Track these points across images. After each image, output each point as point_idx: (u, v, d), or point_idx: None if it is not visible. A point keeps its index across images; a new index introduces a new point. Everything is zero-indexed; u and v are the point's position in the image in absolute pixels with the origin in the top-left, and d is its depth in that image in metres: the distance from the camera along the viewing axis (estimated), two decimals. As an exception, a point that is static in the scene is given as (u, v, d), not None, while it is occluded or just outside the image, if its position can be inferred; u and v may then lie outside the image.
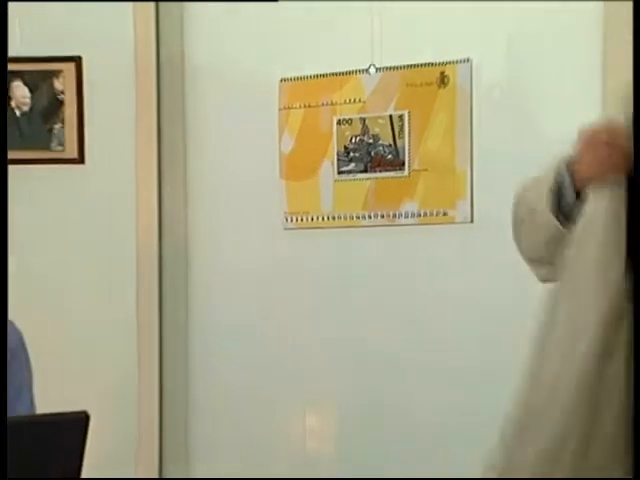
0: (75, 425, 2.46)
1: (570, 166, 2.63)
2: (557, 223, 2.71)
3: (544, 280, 2.94)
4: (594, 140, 2.59)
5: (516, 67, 4.04)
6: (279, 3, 4.31)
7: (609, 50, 3.72)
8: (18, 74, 4.55)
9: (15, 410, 2.93)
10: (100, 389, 4.24)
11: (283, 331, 4.37)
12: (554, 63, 3.91)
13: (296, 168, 4.31)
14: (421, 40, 4.11)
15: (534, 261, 2.99)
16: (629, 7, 3.24)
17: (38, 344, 3.08)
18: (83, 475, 2.46)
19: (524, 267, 3.16)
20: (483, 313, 3.97)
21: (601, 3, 3.79)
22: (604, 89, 3.74)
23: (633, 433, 2.40)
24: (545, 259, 2.88)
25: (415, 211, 4.12)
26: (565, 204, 2.69)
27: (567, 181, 2.66)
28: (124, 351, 4.49)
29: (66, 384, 3.18)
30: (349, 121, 4.19)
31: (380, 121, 4.15)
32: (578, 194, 2.65)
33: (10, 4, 4.40)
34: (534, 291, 3.18)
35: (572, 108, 3.83)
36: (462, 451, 3.98)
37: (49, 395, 3.06)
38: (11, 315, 2.99)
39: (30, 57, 4.54)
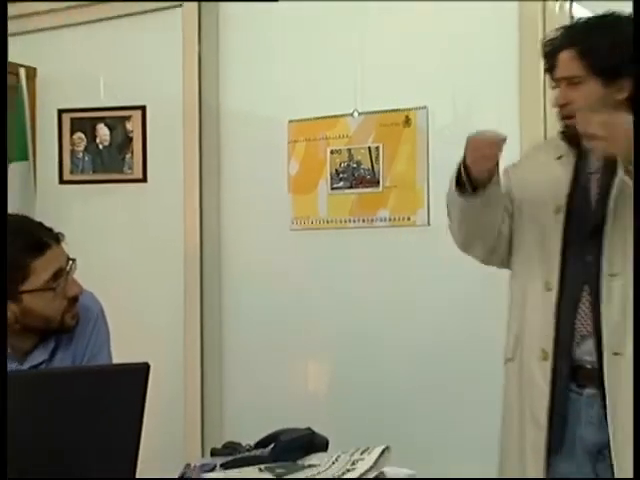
0: (138, 373, 2.45)
1: (464, 160, 2.89)
2: (459, 193, 2.95)
3: (483, 262, 3.15)
4: (473, 144, 2.86)
5: (460, 112, 4.11)
6: (287, 66, 4.48)
7: (523, 98, 3.88)
8: (101, 119, 4.79)
9: (97, 362, 2.95)
10: (156, 347, 4.35)
11: (291, 303, 4.49)
12: (488, 108, 4.00)
13: (300, 185, 4.42)
14: (391, 92, 4.17)
15: (465, 245, 3.13)
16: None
17: (112, 314, 3.10)
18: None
19: (468, 259, 3.44)
20: (438, 294, 4.07)
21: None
22: (520, 124, 3.87)
23: (634, 433, 2.35)
24: (469, 240, 3.09)
25: (387, 217, 4.21)
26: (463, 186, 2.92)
27: (462, 170, 2.90)
28: (173, 321, 4.72)
29: (131, 344, 3.30)
30: (339, 151, 4.30)
31: (362, 151, 4.25)
32: (469, 177, 2.89)
33: (94, 63, 4.73)
34: (477, 275, 3.47)
35: None
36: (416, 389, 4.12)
37: (119, 353, 3.06)
38: (95, 293, 3.06)
39: (110, 107, 4.76)
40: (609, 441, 2.79)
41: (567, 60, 2.90)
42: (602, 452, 2.86)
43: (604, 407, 2.81)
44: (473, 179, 2.92)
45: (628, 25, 2.86)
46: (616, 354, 2.81)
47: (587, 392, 2.89)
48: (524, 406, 3.02)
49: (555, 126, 3.62)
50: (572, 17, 3.73)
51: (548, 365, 2.92)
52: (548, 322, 2.93)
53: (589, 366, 2.88)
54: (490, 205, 2.99)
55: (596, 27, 2.91)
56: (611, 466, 2.80)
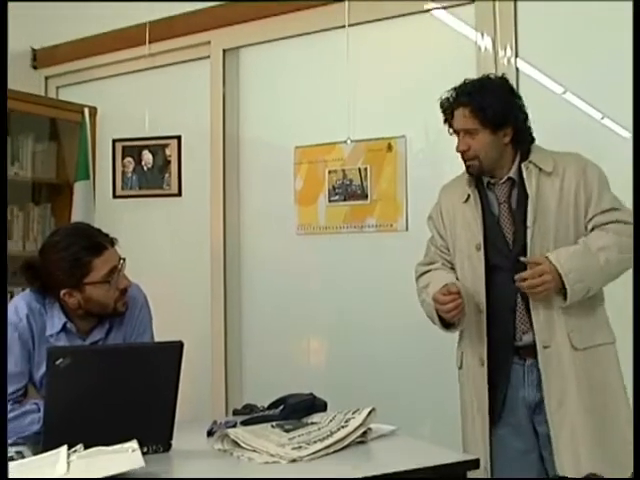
0: (174, 349, 2.52)
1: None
2: (446, 330, 3.10)
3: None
4: (439, 301, 2.98)
5: (431, 140, 4.08)
6: (294, 104, 4.51)
7: None
8: (146, 146, 4.76)
9: (142, 340, 3.00)
10: (189, 328, 4.41)
11: (296, 292, 4.48)
12: (452, 138, 3.86)
13: (304, 198, 4.40)
14: (377, 125, 4.17)
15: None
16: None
17: (154, 302, 3.12)
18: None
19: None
20: (412, 279, 3.82)
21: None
22: None
23: (634, 433, 2.34)
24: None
25: (374, 224, 4.19)
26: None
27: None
28: (202, 307, 4.71)
29: (169, 326, 3.31)
30: (335, 171, 4.28)
31: (353, 171, 4.22)
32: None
33: (140, 103, 4.75)
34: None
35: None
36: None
37: (160, 332, 3.11)
38: (140, 285, 3.10)
39: (153, 137, 4.74)
40: (543, 400, 2.93)
41: (462, 116, 3.03)
42: (538, 407, 2.98)
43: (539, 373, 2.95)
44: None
45: (501, 84, 3.08)
46: (546, 347, 2.93)
47: (528, 362, 2.99)
48: (473, 400, 3.12)
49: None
50: (517, 69, 3.77)
51: (485, 369, 3.03)
52: (482, 335, 3.04)
53: (529, 346, 2.98)
54: None
55: (484, 88, 3.03)
56: (546, 422, 2.94)
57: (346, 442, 2.52)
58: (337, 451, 2.48)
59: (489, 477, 3.01)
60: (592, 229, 2.93)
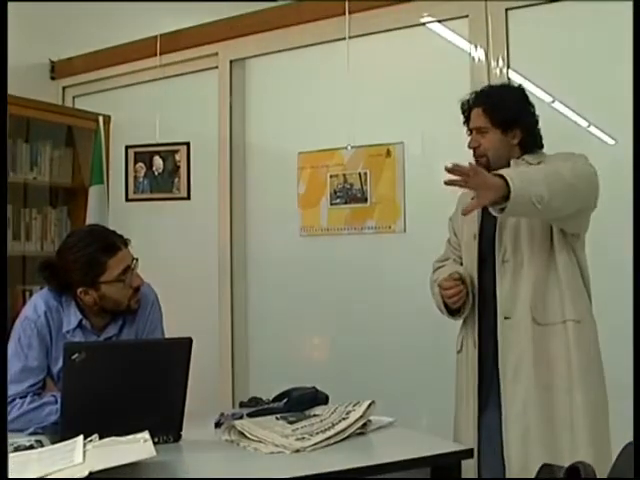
0: (184, 345, 2.54)
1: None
2: (452, 318, 3.13)
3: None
4: (442, 286, 3.02)
5: (428, 146, 4.11)
6: (297, 112, 4.50)
7: None
8: (157, 152, 4.78)
9: (153, 336, 3.01)
10: (198, 325, 4.15)
11: (300, 291, 4.47)
12: (447, 143, 3.89)
13: (307, 202, 4.39)
14: (376, 132, 4.16)
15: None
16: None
17: (165, 299, 3.13)
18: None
19: (434, 256, 3.43)
20: (412, 283, 3.92)
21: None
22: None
23: (634, 433, 2.34)
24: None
25: (373, 226, 4.19)
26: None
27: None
28: (210, 305, 4.70)
29: (179, 322, 3.32)
30: (337, 176, 4.27)
31: (354, 176, 4.22)
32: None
33: (151, 111, 4.75)
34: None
35: None
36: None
37: (170, 328, 3.13)
38: (152, 283, 3.10)
39: (163, 143, 4.76)
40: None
41: (476, 115, 3.10)
42: None
43: None
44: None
45: (517, 90, 3.13)
46: (506, 318, 2.95)
47: None
48: (469, 383, 3.10)
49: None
50: (509, 79, 3.78)
51: (476, 352, 3.05)
52: (474, 319, 3.08)
53: None
54: None
55: (499, 92, 3.13)
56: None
57: (347, 433, 2.53)
58: (338, 442, 2.49)
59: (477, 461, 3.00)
60: None
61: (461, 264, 3.23)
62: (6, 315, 2.83)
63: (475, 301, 3.07)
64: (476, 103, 3.11)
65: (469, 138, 3.13)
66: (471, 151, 3.10)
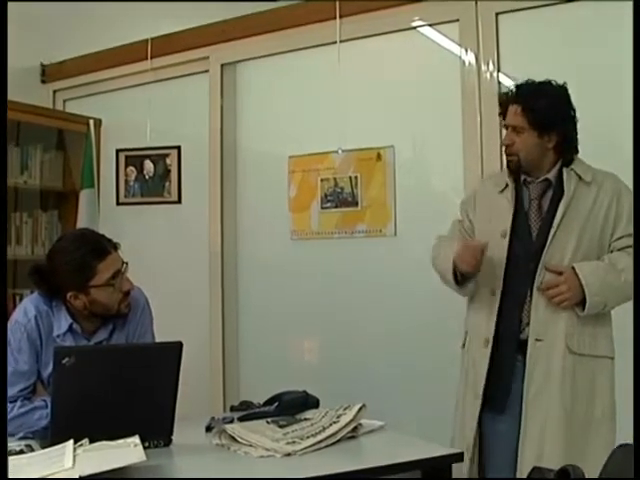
0: (174, 349, 2.53)
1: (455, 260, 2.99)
2: (457, 287, 3.09)
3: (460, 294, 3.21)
4: (461, 250, 2.98)
5: (419, 150, 4.10)
6: (288, 115, 4.49)
7: (465, 139, 3.85)
8: (147, 156, 4.80)
9: (144, 340, 2.99)
10: (189, 328, 4.21)
11: (290, 294, 4.46)
12: (438, 147, 4.03)
13: (297, 205, 4.39)
14: (367, 135, 4.16)
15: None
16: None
17: (155, 303, 3.10)
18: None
19: (425, 260, 3.44)
20: (403, 287, 4.06)
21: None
22: (463, 158, 3.87)
23: (634, 432, 2.33)
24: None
25: (364, 229, 4.18)
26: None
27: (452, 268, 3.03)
28: (201, 309, 4.69)
29: (169, 326, 3.30)
30: (327, 179, 4.27)
31: (344, 179, 4.22)
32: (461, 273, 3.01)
33: (142, 115, 4.76)
34: (432, 273, 3.48)
35: (446, 172, 4.00)
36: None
37: (160, 332, 3.08)
38: (142, 287, 3.07)
39: (154, 147, 4.77)
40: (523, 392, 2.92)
41: (514, 113, 3.02)
42: None
43: None
44: (460, 274, 3.06)
45: (559, 91, 3.01)
46: (538, 340, 2.91)
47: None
48: (468, 381, 3.10)
49: (489, 160, 3.72)
50: (499, 82, 3.79)
51: (488, 350, 2.99)
52: (492, 317, 3.01)
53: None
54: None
55: (540, 92, 3.00)
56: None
57: (337, 437, 2.53)
58: (329, 445, 2.49)
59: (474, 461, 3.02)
60: (614, 249, 2.94)
61: None
62: (6, 315, 2.82)
63: (496, 299, 3.02)
64: (515, 100, 3.03)
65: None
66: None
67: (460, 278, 3.08)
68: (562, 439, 2.84)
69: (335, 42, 4.21)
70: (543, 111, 2.95)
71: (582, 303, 2.86)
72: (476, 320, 3.11)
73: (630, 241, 2.89)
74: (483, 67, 3.83)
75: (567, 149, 3.02)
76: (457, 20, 3.93)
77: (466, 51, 3.89)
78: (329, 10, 4.21)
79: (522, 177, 3.08)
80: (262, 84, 4.67)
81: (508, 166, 3.10)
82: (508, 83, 3.73)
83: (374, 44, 4.21)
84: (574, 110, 3.02)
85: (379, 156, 4.17)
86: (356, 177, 4.23)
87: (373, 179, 4.20)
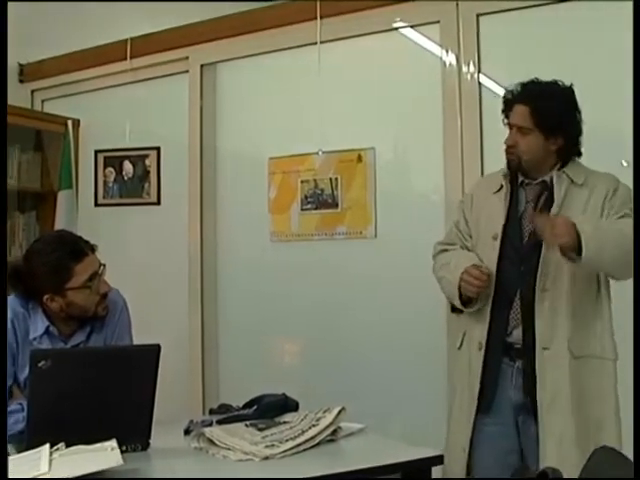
0: (152, 352, 2.53)
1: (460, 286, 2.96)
2: (463, 308, 3.04)
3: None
4: (467, 274, 2.94)
5: (400, 152, 4.12)
6: (268, 117, 4.45)
7: (446, 140, 3.85)
8: (127, 157, 4.80)
9: (122, 343, 2.99)
10: (167, 330, 4.20)
11: (270, 296, 4.42)
12: (419, 148, 4.03)
13: (277, 207, 4.37)
14: (347, 137, 4.16)
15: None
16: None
17: (133, 305, 3.12)
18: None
19: (406, 262, 3.44)
20: (382, 289, 4.05)
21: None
22: (444, 159, 3.86)
23: (634, 432, 2.22)
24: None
25: (344, 231, 4.17)
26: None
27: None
28: (180, 310, 4.65)
29: (148, 328, 3.29)
30: (307, 181, 4.27)
31: (325, 181, 4.22)
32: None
33: (121, 115, 4.75)
34: (412, 275, 3.48)
35: (427, 174, 4.00)
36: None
37: (138, 334, 3.09)
38: (121, 289, 3.08)
39: (133, 147, 4.77)
40: (533, 402, 2.87)
41: (520, 113, 2.96)
42: (522, 409, 2.94)
43: (528, 377, 2.90)
44: (464, 298, 3.02)
45: (566, 93, 2.96)
46: (545, 349, 2.88)
47: (517, 364, 2.95)
48: (464, 383, 3.09)
49: (470, 162, 3.72)
50: (480, 83, 3.80)
51: (482, 353, 2.98)
52: (485, 321, 3.00)
53: (518, 346, 2.94)
54: None
55: (545, 92, 2.95)
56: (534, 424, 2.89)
57: (317, 440, 2.53)
58: (308, 449, 2.49)
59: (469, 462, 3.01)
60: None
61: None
62: (6, 314, 2.79)
63: (489, 303, 2.99)
64: (522, 99, 2.97)
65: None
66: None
67: (466, 299, 3.04)
68: (579, 449, 2.79)
69: (316, 43, 4.20)
70: (551, 113, 2.92)
71: (578, 252, 2.73)
72: (470, 323, 3.09)
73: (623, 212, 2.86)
74: (464, 68, 3.84)
75: (570, 152, 2.99)
76: (438, 21, 3.93)
77: (447, 52, 3.90)
78: (310, 11, 4.21)
79: (520, 178, 3.05)
80: (242, 85, 4.65)
81: (508, 166, 3.06)
82: (489, 84, 3.76)
83: (355, 45, 4.20)
84: (580, 112, 2.98)
85: (360, 158, 4.16)
86: (336, 179, 4.22)
87: (353, 181, 4.18)
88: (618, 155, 3.40)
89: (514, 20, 3.75)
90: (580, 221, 2.75)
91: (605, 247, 2.73)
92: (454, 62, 3.87)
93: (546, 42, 3.69)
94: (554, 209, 2.90)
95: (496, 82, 3.76)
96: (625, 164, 3.28)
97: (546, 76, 2.96)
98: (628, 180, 2.88)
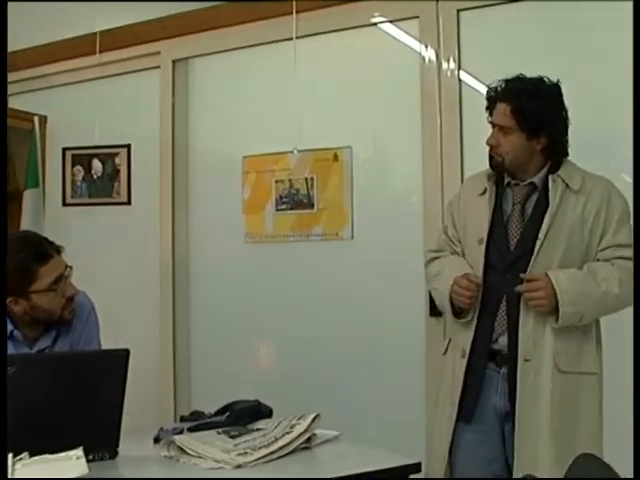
0: (121, 357, 2.50)
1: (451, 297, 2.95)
2: (456, 318, 3.01)
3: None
4: (456, 285, 2.92)
5: (377, 150, 4.12)
6: (242, 114, 4.46)
7: (425, 139, 3.86)
8: (95, 155, 4.78)
9: (90, 347, 2.97)
10: (137, 335, 4.30)
11: (244, 299, 4.42)
12: (398, 147, 4.04)
13: (251, 207, 4.37)
14: (323, 135, 4.17)
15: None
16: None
17: (102, 309, 3.10)
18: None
19: (383, 264, 3.43)
20: (359, 291, 4.06)
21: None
22: (422, 158, 3.88)
23: (634, 432, 2.19)
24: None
25: (320, 232, 4.18)
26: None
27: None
28: (151, 314, 4.66)
29: (117, 333, 3.28)
30: (282, 181, 4.26)
31: (300, 181, 4.22)
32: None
33: (90, 112, 4.72)
34: (388, 277, 3.47)
35: (405, 173, 4.02)
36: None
37: (107, 339, 3.07)
38: (88, 292, 3.06)
39: (102, 145, 4.75)
40: (514, 410, 2.86)
41: (502, 112, 2.93)
42: (508, 416, 2.91)
43: (513, 384, 2.87)
44: (457, 308, 3.01)
45: (552, 91, 2.92)
46: (527, 360, 2.86)
47: (502, 370, 2.93)
48: (446, 389, 3.08)
49: (449, 161, 3.74)
50: (460, 80, 3.81)
51: (465, 361, 2.97)
52: (471, 328, 2.98)
53: (505, 352, 2.92)
54: None
55: (529, 90, 2.90)
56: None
57: (291, 448, 2.51)
58: (282, 457, 2.47)
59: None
60: (600, 260, 2.89)
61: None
62: (5, 313, 2.78)
63: (475, 310, 2.97)
64: (504, 97, 2.93)
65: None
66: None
67: (458, 309, 3.02)
68: (555, 462, 2.77)
69: (292, 38, 4.20)
70: (534, 113, 2.87)
71: (556, 313, 2.81)
72: (456, 329, 3.08)
73: (617, 252, 2.85)
74: (444, 64, 3.85)
75: (556, 152, 2.95)
76: (417, 17, 3.94)
77: (426, 48, 3.90)
78: (286, 5, 4.21)
79: (506, 179, 3.02)
80: (215, 81, 4.65)
81: (491, 166, 3.02)
82: (469, 81, 3.76)
83: (332, 41, 4.20)
84: (566, 111, 2.95)
85: (336, 157, 4.17)
86: (312, 178, 4.23)
87: (329, 180, 4.19)
88: (605, 155, 3.43)
89: (495, 16, 3.77)
90: (560, 283, 2.79)
91: (585, 311, 2.83)
92: (434, 58, 3.88)
93: (528, 38, 3.70)
94: (548, 217, 2.87)
95: (477, 79, 3.77)
96: (628, 180, 3.26)
97: (527, 73, 2.95)
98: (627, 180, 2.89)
